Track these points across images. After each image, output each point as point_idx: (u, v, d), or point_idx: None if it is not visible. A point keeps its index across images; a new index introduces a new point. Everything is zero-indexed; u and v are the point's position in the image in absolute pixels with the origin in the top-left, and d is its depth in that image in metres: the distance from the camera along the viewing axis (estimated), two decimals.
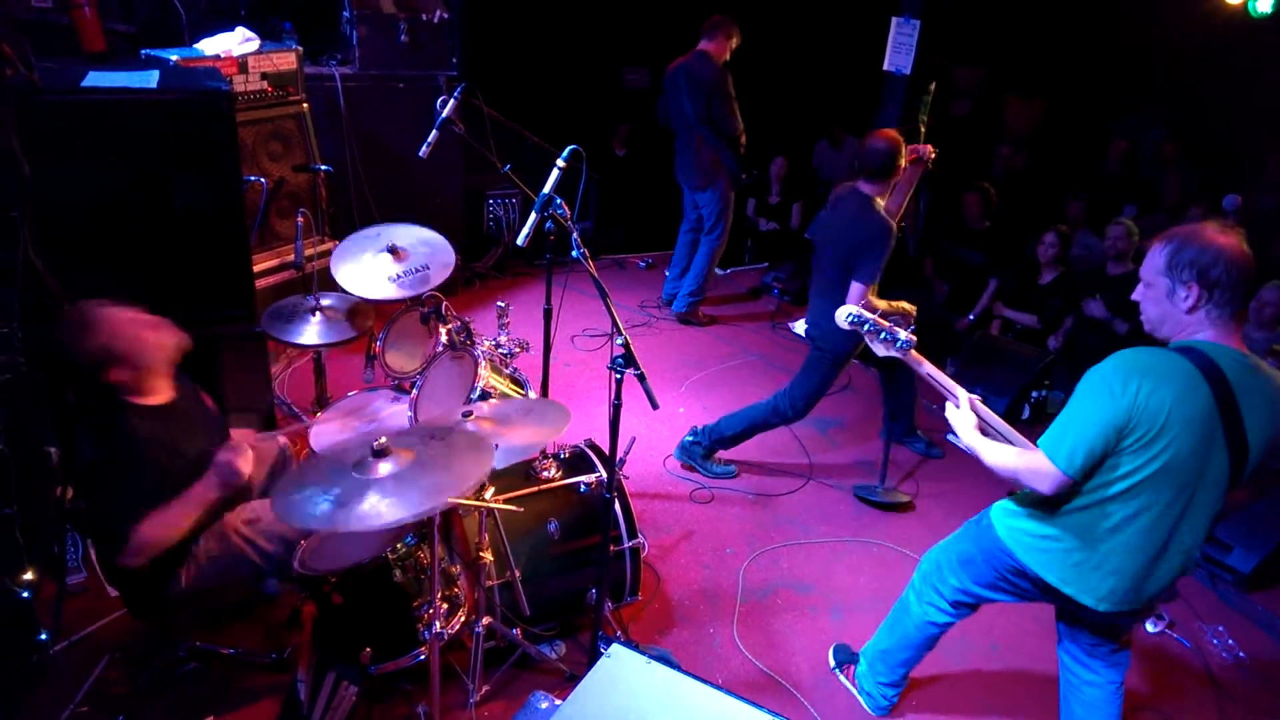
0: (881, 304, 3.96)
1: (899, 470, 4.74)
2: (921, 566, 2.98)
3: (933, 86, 5.88)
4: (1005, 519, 2.62)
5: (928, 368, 2.66)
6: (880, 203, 3.96)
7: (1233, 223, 4.02)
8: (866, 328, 2.68)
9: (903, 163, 3.96)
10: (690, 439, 4.53)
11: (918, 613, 2.94)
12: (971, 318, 6.20)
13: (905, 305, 4.06)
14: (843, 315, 2.72)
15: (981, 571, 2.71)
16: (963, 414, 2.55)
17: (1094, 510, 2.37)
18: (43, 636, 2.80)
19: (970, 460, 2.50)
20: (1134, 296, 2.43)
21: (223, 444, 2.80)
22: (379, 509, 2.14)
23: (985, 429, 2.54)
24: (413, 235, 3.87)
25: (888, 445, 4.52)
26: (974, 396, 2.59)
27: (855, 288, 3.89)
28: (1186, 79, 7.33)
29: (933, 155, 4.18)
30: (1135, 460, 2.26)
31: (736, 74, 5.74)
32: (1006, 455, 2.43)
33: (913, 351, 2.66)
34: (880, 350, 2.70)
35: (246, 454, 2.76)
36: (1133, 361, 2.25)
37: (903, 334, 2.66)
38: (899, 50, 6.01)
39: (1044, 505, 2.48)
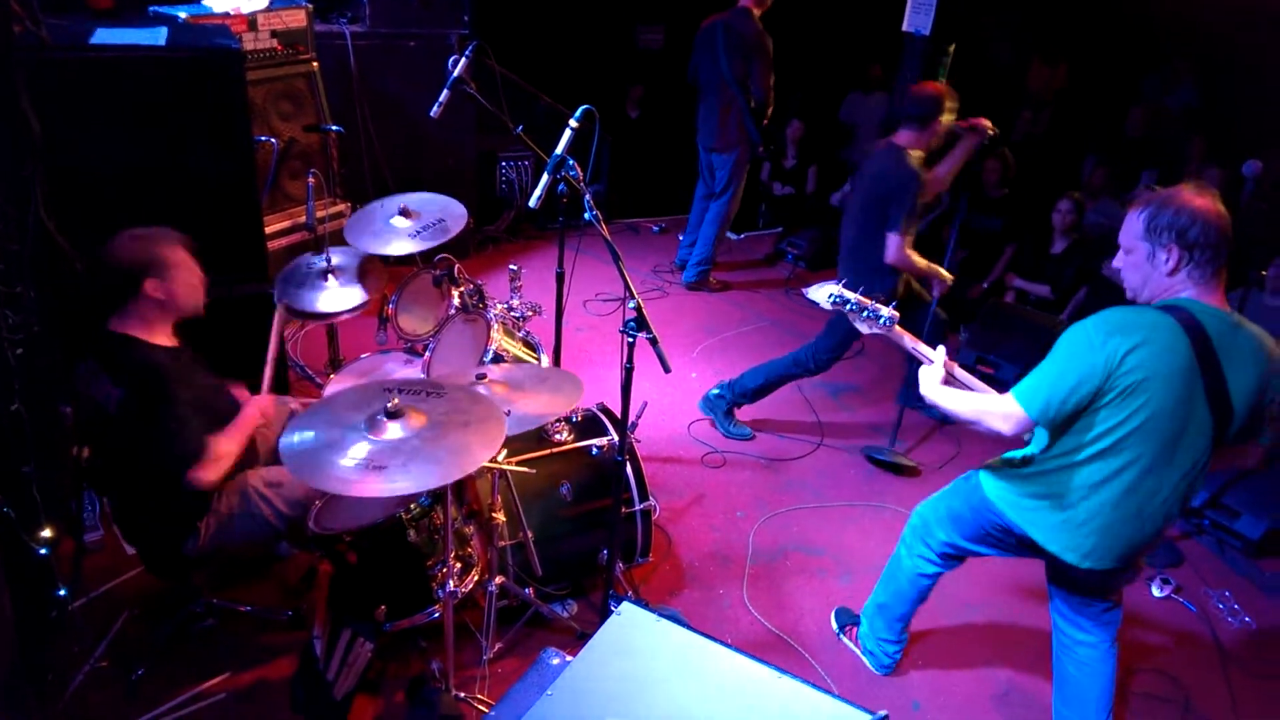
0: (922, 262, 3.97)
1: (913, 434, 4.74)
2: (911, 521, 3.04)
3: (952, 48, 5.77)
4: (992, 479, 2.67)
5: (910, 342, 2.69)
6: (915, 154, 3.90)
7: (1251, 188, 3.95)
8: (849, 307, 2.70)
9: (946, 117, 3.90)
10: (716, 392, 4.61)
11: (909, 565, 3.02)
12: (985, 285, 6.14)
13: (943, 271, 4.07)
14: (824, 296, 2.73)
15: (969, 527, 2.78)
16: (934, 370, 2.57)
17: (1077, 468, 2.41)
18: (61, 592, 2.83)
19: None
20: (1114, 263, 2.47)
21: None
22: (393, 483, 2.15)
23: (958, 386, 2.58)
24: (420, 197, 3.82)
25: (902, 408, 4.53)
26: (950, 361, 2.61)
27: (891, 239, 3.86)
28: (1212, 40, 7.18)
29: (991, 131, 4.01)
30: (1115, 416, 2.28)
31: None
32: (966, 399, 2.47)
33: (896, 327, 2.68)
34: (864, 329, 2.73)
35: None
36: (1114, 318, 2.28)
37: (885, 311, 2.68)
38: (918, 10, 5.90)
39: (1029, 465, 2.53)
